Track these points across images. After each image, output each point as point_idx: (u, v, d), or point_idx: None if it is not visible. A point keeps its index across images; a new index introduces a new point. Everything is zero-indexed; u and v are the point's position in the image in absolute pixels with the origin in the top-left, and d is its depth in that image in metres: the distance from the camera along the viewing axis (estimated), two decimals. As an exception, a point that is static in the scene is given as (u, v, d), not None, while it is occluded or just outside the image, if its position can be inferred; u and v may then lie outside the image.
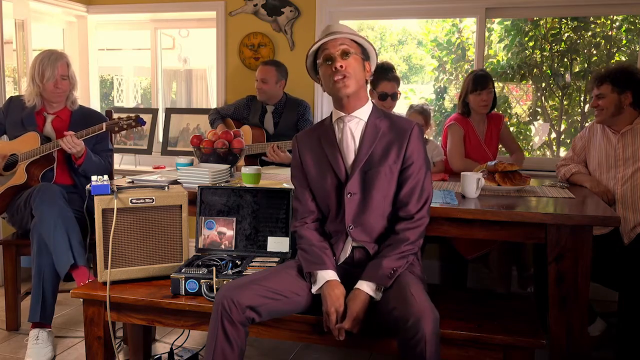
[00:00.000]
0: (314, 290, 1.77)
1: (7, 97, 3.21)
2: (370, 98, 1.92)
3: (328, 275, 1.76)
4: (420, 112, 3.05)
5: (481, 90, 2.98)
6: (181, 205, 2.10)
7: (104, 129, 2.63)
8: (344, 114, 1.83)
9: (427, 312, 1.54)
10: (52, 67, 2.72)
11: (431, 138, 3.35)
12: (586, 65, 4.02)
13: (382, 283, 1.70)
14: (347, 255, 1.84)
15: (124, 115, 2.68)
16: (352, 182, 1.80)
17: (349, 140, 1.83)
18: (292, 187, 2.17)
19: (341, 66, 1.74)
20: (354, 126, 1.83)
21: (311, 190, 1.90)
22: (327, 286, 1.74)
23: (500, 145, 3.24)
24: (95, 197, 2.00)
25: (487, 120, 3.11)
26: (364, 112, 1.84)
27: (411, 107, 3.16)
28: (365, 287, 1.71)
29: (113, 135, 3.04)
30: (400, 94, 3.02)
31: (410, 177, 1.78)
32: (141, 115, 2.68)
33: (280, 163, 3.14)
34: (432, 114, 3.15)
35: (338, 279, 1.76)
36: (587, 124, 3.06)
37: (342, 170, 1.82)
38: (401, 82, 3.05)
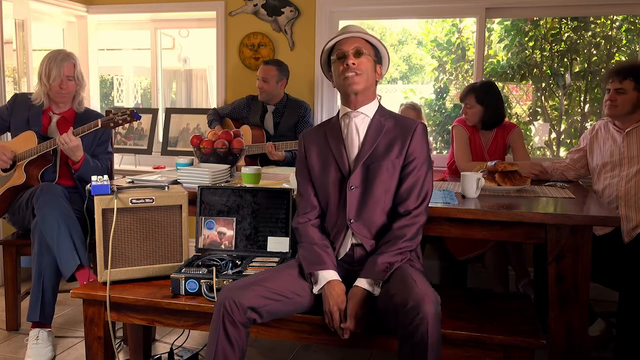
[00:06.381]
0: (315, 290, 1.77)
1: (8, 97, 3.21)
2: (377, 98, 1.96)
3: (329, 275, 1.76)
4: (412, 107, 3.27)
5: (461, 101, 2.99)
6: (181, 205, 2.10)
7: (100, 125, 2.60)
8: (350, 110, 1.87)
9: (429, 294, 1.53)
10: (59, 67, 2.71)
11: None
12: (586, 65, 4.02)
13: (378, 278, 1.71)
14: (348, 249, 1.85)
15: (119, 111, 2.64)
16: (354, 176, 1.82)
17: (354, 135, 1.86)
18: (292, 187, 2.18)
19: (353, 63, 1.79)
20: (360, 122, 1.87)
21: (314, 185, 1.91)
22: (329, 286, 1.74)
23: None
24: (95, 197, 2.00)
25: (495, 130, 3.00)
26: (370, 109, 1.88)
27: (402, 104, 3.35)
28: (363, 283, 1.72)
29: (113, 135, 3.03)
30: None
31: (411, 173, 1.81)
32: (141, 115, 2.66)
33: (280, 162, 3.15)
34: (422, 110, 3.36)
35: (339, 278, 1.77)
36: (587, 124, 3.05)
37: (346, 163, 1.85)
38: (401, 82, 3.11)
